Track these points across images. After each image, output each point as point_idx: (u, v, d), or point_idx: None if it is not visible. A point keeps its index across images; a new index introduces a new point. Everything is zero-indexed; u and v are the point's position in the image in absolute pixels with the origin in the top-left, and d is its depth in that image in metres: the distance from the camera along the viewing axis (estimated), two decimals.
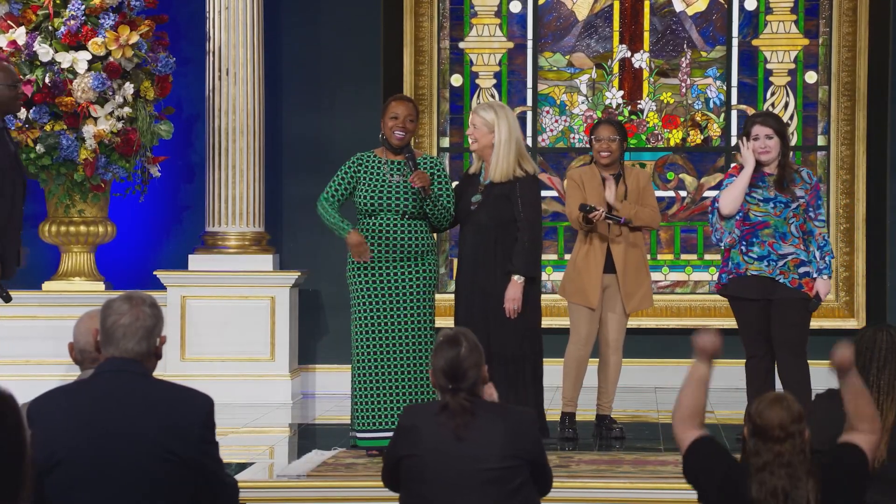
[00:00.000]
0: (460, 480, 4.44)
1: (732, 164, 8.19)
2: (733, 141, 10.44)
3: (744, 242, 7.57)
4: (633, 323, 10.10)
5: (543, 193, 8.46)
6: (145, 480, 4.10)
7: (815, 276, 7.57)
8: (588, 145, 8.20)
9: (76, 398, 4.21)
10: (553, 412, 7.92)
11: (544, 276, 9.92)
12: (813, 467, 4.02)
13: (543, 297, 8.10)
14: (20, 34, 9.27)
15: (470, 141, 7.61)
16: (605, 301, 7.87)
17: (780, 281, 7.53)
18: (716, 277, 7.91)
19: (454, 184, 7.81)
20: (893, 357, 4.82)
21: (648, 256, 10.42)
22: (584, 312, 7.85)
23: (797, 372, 7.54)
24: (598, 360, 7.99)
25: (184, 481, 4.15)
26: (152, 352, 4.25)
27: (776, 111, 10.38)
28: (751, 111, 10.41)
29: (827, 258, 7.59)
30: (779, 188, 7.56)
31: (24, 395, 6.51)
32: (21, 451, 3.67)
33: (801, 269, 7.56)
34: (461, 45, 10.55)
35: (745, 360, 7.75)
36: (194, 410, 4.18)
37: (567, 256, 10.28)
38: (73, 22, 9.25)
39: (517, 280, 7.34)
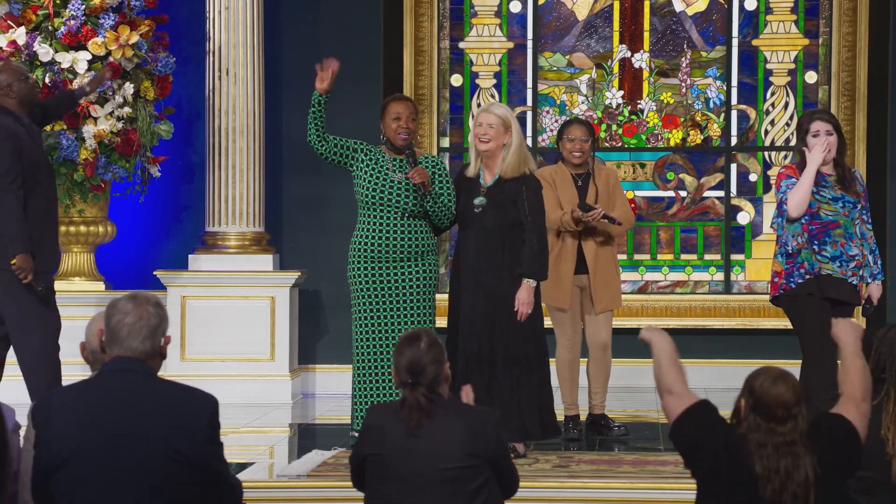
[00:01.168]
0: (420, 479, 4.46)
1: (786, 164, 7.87)
2: (733, 141, 10.44)
3: (815, 242, 7.28)
4: (633, 323, 10.11)
5: None
6: (151, 480, 4.10)
7: (868, 280, 7.34)
8: (556, 145, 8.15)
9: (81, 398, 4.21)
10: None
11: None
12: (810, 444, 4.02)
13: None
14: (20, 34, 9.27)
15: (483, 140, 7.39)
16: (584, 302, 7.88)
17: (854, 283, 7.30)
18: (780, 280, 7.40)
19: None
20: None
21: (647, 256, 10.46)
22: (561, 314, 7.87)
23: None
24: (587, 360, 8.01)
25: (189, 481, 4.15)
26: (157, 351, 4.26)
27: (776, 111, 10.39)
28: (751, 111, 10.42)
29: (878, 262, 7.39)
30: (843, 188, 7.31)
31: (23, 395, 6.53)
32: (5, 451, 3.68)
33: (861, 272, 7.34)
34: (461, 45, 10.55)
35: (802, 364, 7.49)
36: (200, 410, 4.19)
37: None
38: (73, 22, 9.25)
39: (529, 283, 7.31)
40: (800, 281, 7.31)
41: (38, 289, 7.53)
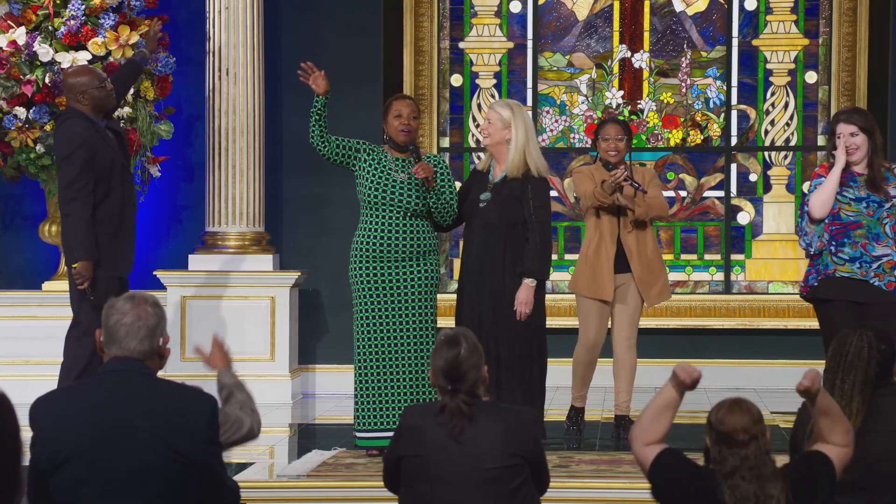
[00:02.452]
0: (461, 480, 4.45)
1: (820, 163, 7.85)
2: (734, 141, 10.44)
3: (833, 243, 7.19)
4: None
5: None
6: (149, 480, 4.10)
7: None
8: (589, 145, 8.14)
9: (80, 398, 4.21)
10: (553, 412, 7.91)
11: None
12: (779, 469, 4.07)
13: (546, 297, 8.07)
14: (20, 34, 9.27)
15: (482, 136, 7.57)
16: (616, 298, 7.82)
17: (876, 284, 7.15)
18: (801, 280, 7.33)
19: (459, 184, 7.79)
20: (860, 363, 4.81)
21: None
22: (595, 308, 7.76)
23: None
24: (611, 359, 7.91)
25: (188, 482, 4.15)
26: (155, 351, 4.26)
27: (776, 111, 10.39)
28: (751, 111, 10.42)
29: None
30: (871, 188, 7.19)
31: (24, 395, 6.53)
32: (16, 451, 3.67)
33: (894, 272, 7.18)
34: (461, 45, 10.55)
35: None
36: (199, 410, 4.19)
37: (567, 256, 10.29)
38: (73, 22, 9.25)
39: (529, 283, 7.29)
40: (814, 284, 7.25)
41: (90, 297, 7.61)
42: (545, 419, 7.58)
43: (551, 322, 8.48)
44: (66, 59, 9.24)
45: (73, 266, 7.62)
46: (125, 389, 4.17)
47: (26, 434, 4.38)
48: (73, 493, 4.11)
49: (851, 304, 7.21)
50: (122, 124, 9.38)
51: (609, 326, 7.90)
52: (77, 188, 7.59)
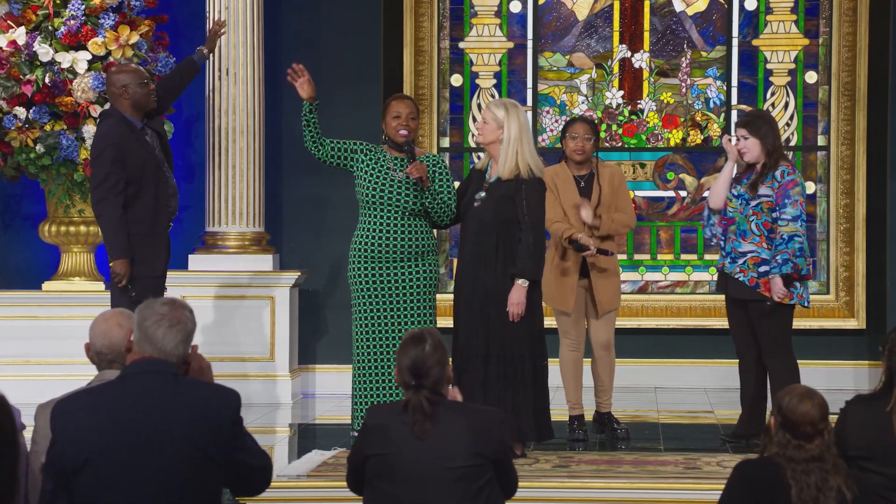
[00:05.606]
0: (426, 479, 4.46)
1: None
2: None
3: (723, 238, 7.62)
4: (633, 323, 10.12)
5: None
6: (175, 478, 4.10)
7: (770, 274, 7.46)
8: (560, 143, 8.20)
9: (104, 398, 4.21)
10: (554, 412, 7.90)
11: None
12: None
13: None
14: (20, 34, 9.27)
15: (476, 134, 7.61)
16: (588, 303, 7.92)
17: (740, 279, 7.48)
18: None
19: (458, 184, 7.79)
20: None
21: (647, 256, 10.46)
22: (565, 316, 7.89)
23: (781, 372, 7.42)
24: (591, 360, 8.02)
25: (213, 478, 4.16)
26: (185, 357, 4.26)
27: (776, 111, 10.38)
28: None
29: (779, 257, 7.37)
30: (751, 189, 7.54)
31: (24, 395, 6.54)
32: (15, 452, 3.67)
33: (762, 268, 7.45)
34: (461, 45, 10.55)
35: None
36: (223, 409, 4.19)
37: None
38: (73, 22, 9.25)
39: (521, 283, 7.29)
40: (715, 280, 7.83)
41: (132, 294, 7.61)
42: (551, 420, 7.57)
43: (549, 322, 8.49)
44: (66, 59, 9.24)
45: (111, 264, 7.69)
46: (149, 389, 4.18)
47: (28, 434, 4.40)
48: (96, 493, 4.11)
49: (736, 300, 7.58)
50: None
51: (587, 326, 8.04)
52: (105, 188, 7.65)
